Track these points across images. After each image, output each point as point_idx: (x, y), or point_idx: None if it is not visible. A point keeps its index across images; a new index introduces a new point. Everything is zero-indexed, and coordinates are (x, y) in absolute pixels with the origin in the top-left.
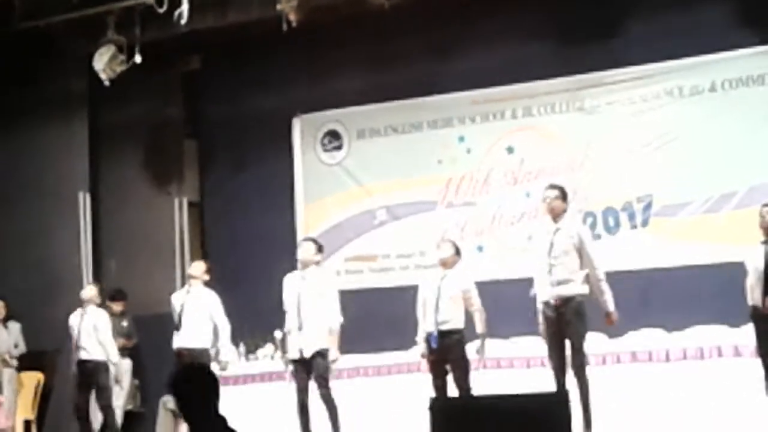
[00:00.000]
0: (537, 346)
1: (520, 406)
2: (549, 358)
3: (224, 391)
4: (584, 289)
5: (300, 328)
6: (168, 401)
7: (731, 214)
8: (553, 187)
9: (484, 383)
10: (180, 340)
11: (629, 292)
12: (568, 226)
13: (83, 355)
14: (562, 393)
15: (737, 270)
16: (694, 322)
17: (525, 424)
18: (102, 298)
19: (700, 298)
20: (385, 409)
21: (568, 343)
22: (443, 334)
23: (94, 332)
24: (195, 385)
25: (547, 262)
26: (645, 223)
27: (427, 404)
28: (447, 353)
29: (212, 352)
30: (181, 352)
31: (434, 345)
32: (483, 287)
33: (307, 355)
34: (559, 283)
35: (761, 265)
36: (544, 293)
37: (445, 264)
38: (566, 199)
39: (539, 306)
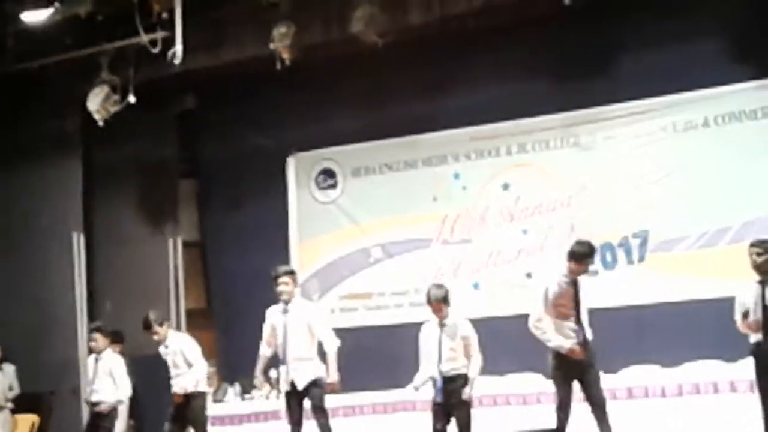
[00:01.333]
0: (533, 382)
1: None
2: (564, 408)
3: (221, 431)
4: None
5: (290, 361)
6: None
7: (726, 249)
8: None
9: (480, 421)
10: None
11: (626, 328)
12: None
13: (94, 397)
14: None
15: (732, 305)
16: (690, 357)
17: None
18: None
19: (696, 333)
20: None
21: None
22: (448, 380)
23: (109, 376)
24: None
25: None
26: (642, 258)
27: None
28: (451, 397)
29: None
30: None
31: (439, 394)
32: (479, 324)
33: (301, 386)
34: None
35: (758, 303)
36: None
37: (439, 312)
38: None
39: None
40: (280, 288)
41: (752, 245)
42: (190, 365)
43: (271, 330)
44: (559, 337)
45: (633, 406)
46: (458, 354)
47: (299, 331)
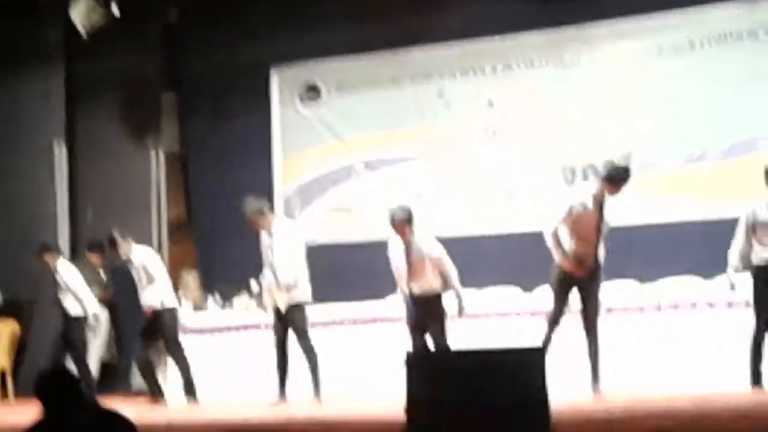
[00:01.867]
0: (513, 296)
1: (497, 360)
2: (556, 322)
3: (200, 341)
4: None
5: (272, 283)
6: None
7: (709, 171)
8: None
9: (459, 335)
10: (144, 300)
11: (608, 247)
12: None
13: (66, 310)
14: (537, 348)
15: (713, 225)
16: (668, 274)
17: (501, 378)
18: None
19: (676, 251)
20: (363, 359)
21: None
22: (419, 300)
23: (67, 290)
24: (55, 389)
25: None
26: None
27: (403, 358)
28: (425, 312)
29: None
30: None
31: (412, 315)
32: (461, 241)
33: (283, 309)
34: None
35: None
36: None
37: (403, 234)
38: None
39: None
40: (255, 227)
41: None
42: (152, 280)
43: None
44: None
45: (611, 321)
46: (426, 273)
47: (281, 255)
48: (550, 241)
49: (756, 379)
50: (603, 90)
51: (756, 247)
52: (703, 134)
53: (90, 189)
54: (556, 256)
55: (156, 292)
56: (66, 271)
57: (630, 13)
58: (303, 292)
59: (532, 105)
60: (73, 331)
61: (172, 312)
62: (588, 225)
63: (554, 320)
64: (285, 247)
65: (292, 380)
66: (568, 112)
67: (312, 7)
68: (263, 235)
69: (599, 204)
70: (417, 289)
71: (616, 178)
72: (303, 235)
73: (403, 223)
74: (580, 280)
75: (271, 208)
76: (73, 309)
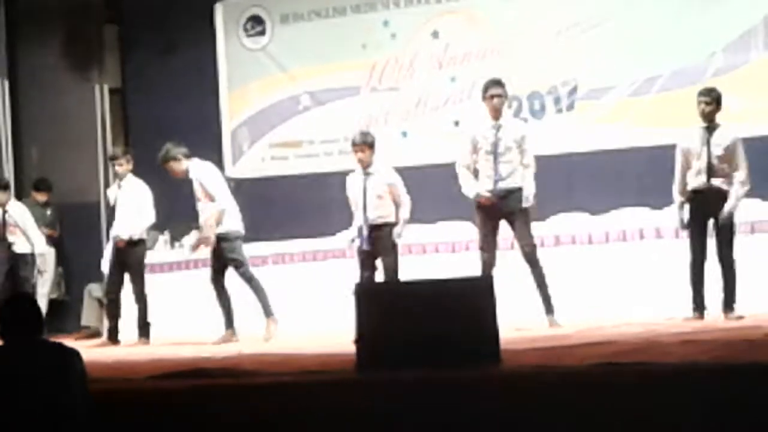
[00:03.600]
0: (462, 230)
1: (446, 290)
2: (482, 249)
3: (151, 279)
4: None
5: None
6: (93, 289)
7: (655, 98)
8: (498, 84)
9: (410, 268)
10: (116, 230)
11: (554, 177)
12: (509, 123)
13: (13, 248)
14: (485, 276)
15: (660, 153)
16: (617, 204)
17: (450, 307)
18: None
19: (624, 181)
20: (312, 295)
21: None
22: (374, 228)
23: (17, 226)
24: (18, 312)
25: (491, 158)
26: (570, 107)
27: (352, 290)
28: (378, 244)
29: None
30: (117, 241)
31: (366, 242)
32: (408, 172)
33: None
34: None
35: (704, 148)
36: (486, 186)
37: (363, 162)
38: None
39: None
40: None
41: (700, 93)
42: (140, 212)
43: None
44: (473, 183)
45: (560, 252)
46: (384, 202)
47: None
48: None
49: (698, 305)
50: (548, 18)
51: (688, 176)
52: (649, 60)
53: (34, 126)
54: (462, 189)
55: (139, 223)
56: (17, 209)
57: None
58: (228, 223)
59: (476, 34)
60: (21, 269)
61: (143, 243)
62: (488, 150)
63: (481, 250)
64: (204, 185)
65: (242, 318)
66: (512, 41)
67: None
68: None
69: (496, 128)
70: (372, 216)
71: (483, 87)
72: (217, 172)
73: (365, 144)
74: (491, 208)
75: (186, 154)
76: (21, 247)
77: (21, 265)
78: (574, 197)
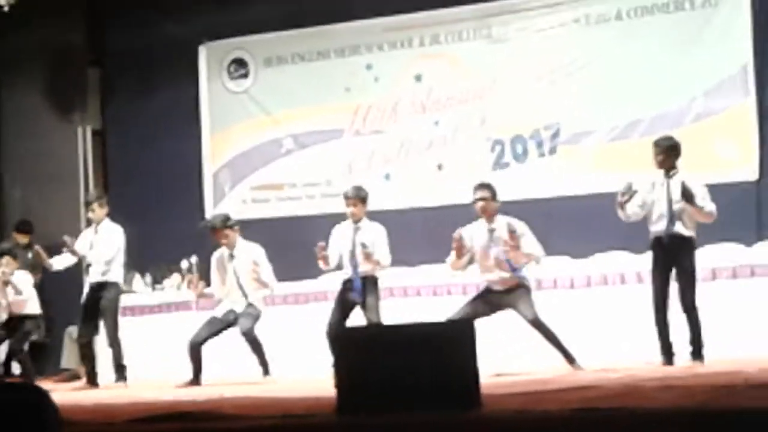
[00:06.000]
0: (444, 274)
1: (425, 333)
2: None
3: (131, 322)
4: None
5: (235, 298)
6: (73, 331)
7: (637, 142)
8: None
9: (391, 312)
10: (91, 275)
11: (536, 220)
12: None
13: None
14: (466, 320)
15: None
16: (599, 249)
17: (430, 351)
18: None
19: (605, 225)
20: (295, 338)
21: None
22: (365, 280)
23: (19, 294)
24: None
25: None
26: (553, 151)
27: (330, 334)
28: (365, 295)
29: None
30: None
31: (359, 294)
32: (390, 215)
33: (239, 311)
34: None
35: (662, 196)
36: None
37: (355, 216)
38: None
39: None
40: (222, 241)
41: (654, 144)
42: (114, 256)
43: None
44: None
45: (542, 296)
46: (372, 252)
47: (247, 274)
48: None
49: (665, 351)
50: (531, 62)
51: (649, 223)
52: (631, 105)
53: (16, 167)
54: None
55: (110, 266)
56: (21, 279)
57: None
58: (260, 302)
59: (459, 78)
60: (21, 328)
61: (116, 287)
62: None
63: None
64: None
65: (225, 359)
66: (495, 84)
67: None
68: (221, 254)
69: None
70: (363, 269)
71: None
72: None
73: (357, 200)
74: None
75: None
76: (17, 309)
77: (19, 325)
78: (556, 241)
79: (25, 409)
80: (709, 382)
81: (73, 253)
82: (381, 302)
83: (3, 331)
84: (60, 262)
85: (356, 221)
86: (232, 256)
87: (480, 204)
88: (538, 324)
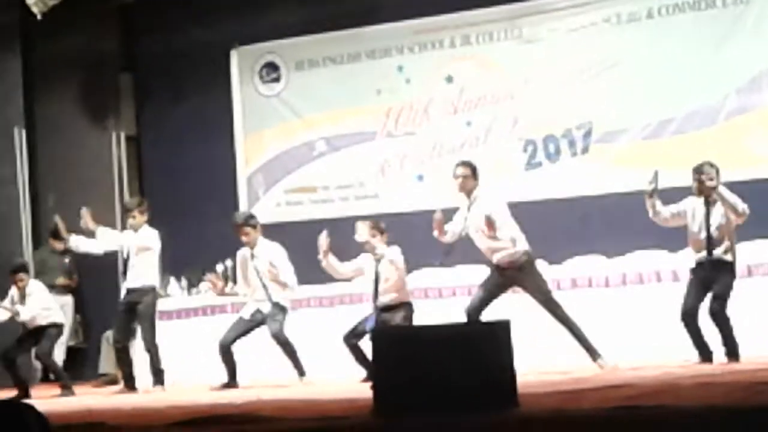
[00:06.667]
0: (478, 274)
1: (462, 333)
2: (476, 297)
3: (167, 325)
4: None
5: (260, 297)
6: (110, 336)
7: (669, 140)
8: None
9: (426, 313)
10: (128, 280)
11: (570, 219)
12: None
13: (31, 326)
14: (502, 321)
15: (675, 195)
16: (633, 247)
17: (466, 352)
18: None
19: (639, 223)
20: (330, 340)
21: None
22: (386, 309)
23: (37, 302)
24: None
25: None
26: (585, 150)
27: (369, 335)
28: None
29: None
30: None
31: (368, 329)
32: (423, 216)
33: (265, 311)
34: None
35: (703, 222)
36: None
37: (373, 248)
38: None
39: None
40: (243, 239)
41: (694, 170)
42: (152, 262)
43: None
44: None
45: (577, 295)
46: (392, 283)
47: (265, 272)
48: None
49: (702, 351)
50: (562, 62)
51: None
52: (663, 103)
53: (51, 174)
54: None
55: (140, 272)
56: (37, 290)
57: None
58: (285, 301)
59: (491, 78)
60: (44, 335)
61: (153, 291)
62: None
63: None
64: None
65: (259, 361)
66: (527, 85)
67: None
68: (244, 253)
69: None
70: (385, 302)
71: None
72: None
73: (375, 230)
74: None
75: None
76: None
77: (41, 335)
78: (590, 240)
79: (8, 426)
80: (746, 379)
81: (88, 224)
82: (416, 303)
83: (29, 342)
84: (81, 243)
85: (376, 254)
86: (253, 255)
87: (459, 181)
88: (552, 307)
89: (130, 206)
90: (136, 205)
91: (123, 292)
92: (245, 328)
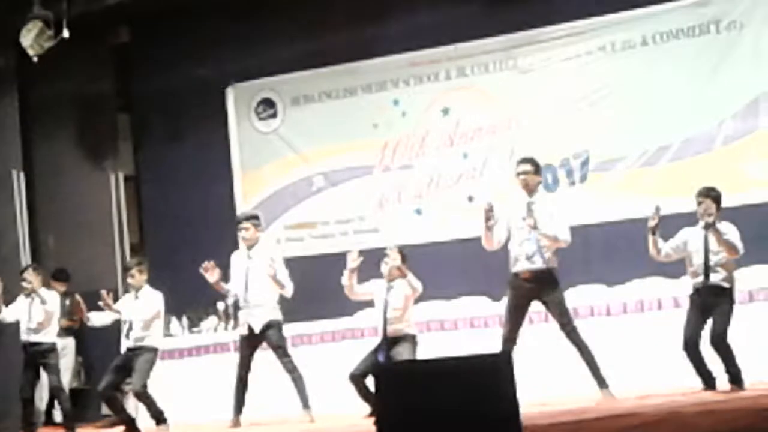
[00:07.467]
0: (480, 306)
1: (464, 367)
2: (506, 327)
3: (169, 365)
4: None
5: (248, 305)
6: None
7: (667, 167)
8: (526, 161)
9: (428, 346)
10: (129, 340)
11: (570, 248)
12: (541, 200)
13: (33, 338)
14: (505, 352)
15: (673, 221)
16: (634, 275)
17: (469, 385)
18: (42, 277)
19: (640, 251)
20: (332, 376)
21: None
22: (393, 342)
23: (45, 312)
24: None
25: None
26: (583, 178)
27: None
28: (394, 357)
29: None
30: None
31: (382, 356)
32: (422, 250)
33: (257, 329)
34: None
35: (701, 248)
36: (518, 265)
37: (391, 276)
38: (539, 172)
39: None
40: (241, 234)
41: (697, 195)
42: (154, 323)
43: (234, 272)
44: None
45: (578, 325)
46: (401, 312)
47: (261, 275)
48: None
49: (705, 378)
50: (558, 92)
51: (688, 274)
52: (659, 130)
53: (50, 215)
54: None
55: (150, 330)
56: (48, 295)
57: (581, 15)
58: (276, 310)
59: (487, 110)
60: (41, 358)
61: (154, 351)
62: None
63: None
64: (269, 267)
65: (266, 397)
66: (523, 115)
67: (264, 23)
68: (238, 256)
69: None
70: (393, 332)
71: None
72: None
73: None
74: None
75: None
76: (36, 336)
77: (47, 354)
78: (590, 268)
79: None
80: (750, 406)
81: (110, 308)
82: (419, 336)
83: (31, 370)
84: (98, 319)
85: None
86: (249, 257)
87: (522, 177)
88: (570, 331)
89: (129, 266)
90: (135, 264)
91: (123, 350)
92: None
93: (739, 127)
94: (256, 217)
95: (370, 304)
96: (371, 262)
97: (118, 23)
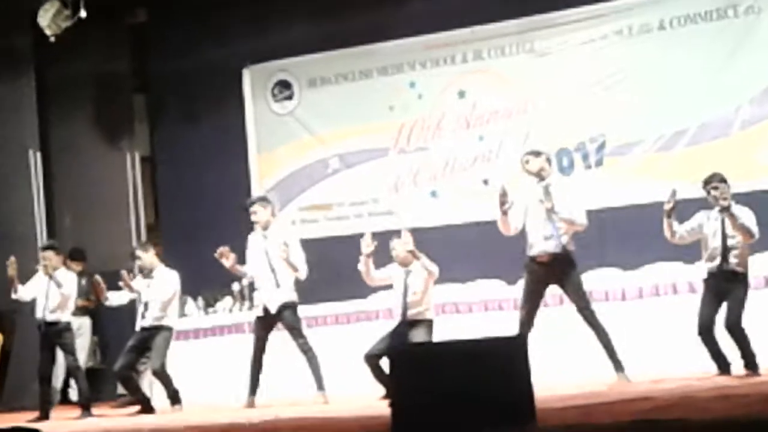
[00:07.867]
0: (494, 289)
1: (479, 350)
2: (523, 311)
3: (184, 345)
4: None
5: (264, 286)
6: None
7: (683, 152)
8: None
9: (443, 329)
10: (145, 319)
11: (585, 233)
12: (557, 183)
13: (49, 317)
14: (520, 335)
15: (690, 206)
16: (649, 259)
17: (483, 367)
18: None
19: (655, 235)
20: (346, 358)
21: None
22: (411, 325)
23: (61, 295)
24: None
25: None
26: (599, 163)
27: (386, 352)
28: (410, 339)
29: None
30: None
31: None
32: (438, 232)
33: (273, 310)
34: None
35: (718, 231)
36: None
37: (405, 260)
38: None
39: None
40: (252, 218)
41: (704, 182)
42: (170, 303)
43: (250, 254)
44: None
45: (594, 309)
46: (420, 296)
47: (277, 256)
48: None
49: (720, 363)
50: (574, 75)
51: (703, 258)
52: (676, 115)
53: (66, 196)
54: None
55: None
56: (64, 276)
57: None
58: (292, 291)
59: (503, 93)
60: (58, 338)
61: (170, 331)
62: None
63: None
64: (284, 249)
65: (280, 378)
66: (539, 98)
67: (281, 4)
68: (254, 238)
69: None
70: (411, 315)
71: None
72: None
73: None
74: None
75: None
76: (52, 315)
77: (63, 334)
78: (606, 253)
79: None
80: (766, 391)
81: (130, 288)
82: (435, 319)
83: (47, 350)
84: (116, 299)
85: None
86: (265, 237)
87: (527, 168)
88: (588, 314)
89: (134, 248)
90: (139, 246)
91: (138, 329)
92: (267, 329)
93: (756, 112)
94: (264, 199)
95: (383, 286)
96: (386, 245)
97: (136, 3)
